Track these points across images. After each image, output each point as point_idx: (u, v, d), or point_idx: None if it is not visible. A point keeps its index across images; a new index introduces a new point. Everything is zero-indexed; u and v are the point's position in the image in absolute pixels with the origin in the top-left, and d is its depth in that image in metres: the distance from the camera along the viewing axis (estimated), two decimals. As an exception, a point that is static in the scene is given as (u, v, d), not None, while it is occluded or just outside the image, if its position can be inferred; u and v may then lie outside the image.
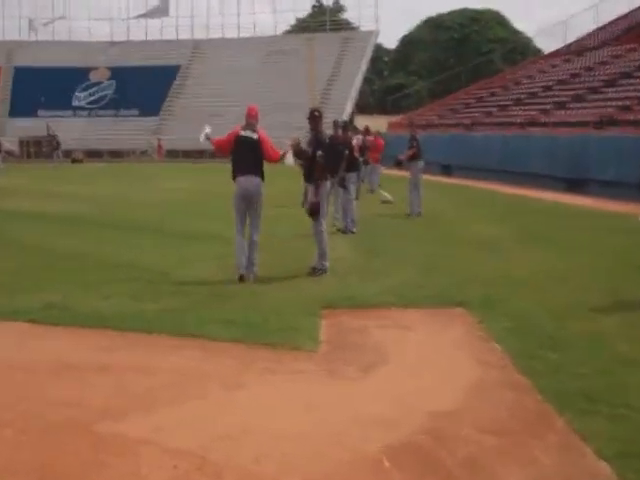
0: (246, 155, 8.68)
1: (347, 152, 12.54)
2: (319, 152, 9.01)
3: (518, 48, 73.46)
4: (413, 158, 15.65)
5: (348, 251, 10.66)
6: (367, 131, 22.28)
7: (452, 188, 24.34)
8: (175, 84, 59.51)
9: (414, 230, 13.41)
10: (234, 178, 8.81)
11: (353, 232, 12.96)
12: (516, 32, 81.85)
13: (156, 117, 56.57)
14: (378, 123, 37.33)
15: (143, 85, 56.56)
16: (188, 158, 49.56)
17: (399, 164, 16.37)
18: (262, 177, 8.79)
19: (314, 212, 9.04)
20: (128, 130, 54.67)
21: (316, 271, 8.94)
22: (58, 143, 44.69)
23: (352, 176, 13.29)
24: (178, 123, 54.79)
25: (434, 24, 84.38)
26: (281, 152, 9.11)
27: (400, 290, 7.92)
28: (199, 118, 53.09)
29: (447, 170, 31.08)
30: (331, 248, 9.36)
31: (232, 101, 49.25)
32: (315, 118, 9.16)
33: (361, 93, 60.12)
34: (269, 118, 48.65)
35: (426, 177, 16.80)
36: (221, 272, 8.85)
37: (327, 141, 9.40)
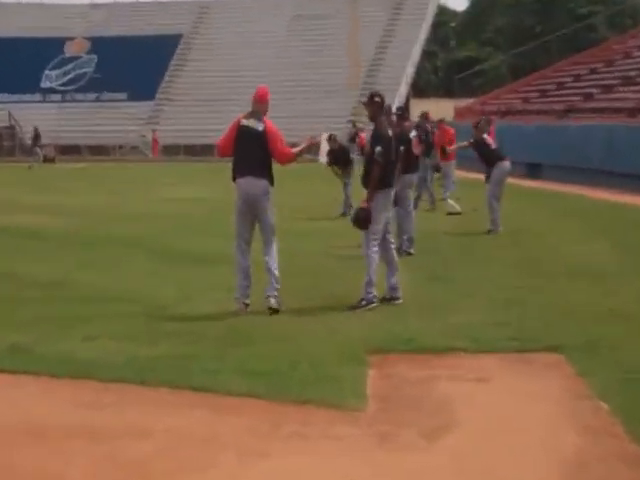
0: (248, 150, 8.78)
1: (403, 150, 12.54)
2: (378, 148, 9.10)
3: (627, 10, 73.04)
4: (496, 159, 15.63)
5: (404, 278, 10.66)
6: (426, 118, 22.08)
7: (540, 195, 24.24)
8: (175, 59, 60.19)
9: (490, 251, 13.38)
10: (234, 179, 8.94)
11: (410, 253, 12.94)
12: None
13: (150, 102, 57.21)
14: (442, 108, 37.36)
15: (133, 61, 57.13)
16: (191, 156, 49.99)
17: (443, 152, 19.93)
18: (270, 179, 8.86)
19: (360, 221, 9.08)
20: (114, 119, 55.26)
21: (360, 303, 8.98)
22: (38, 136, 45.50)
23: (410, 179, 13.25)
24: (179, 110, 55.41)
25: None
26: (296, 149, 9.22)
27: (473, 330, 7.90)
28: (206, 103, 53.99)
29: (535, 171, 30.91)
30: (381, 274, 9.35)
31: (248, 81, 49.35)
32: (374, 105, 9.30)
33: (419, 70, 60.24)
34: (295, 103, 49.20)
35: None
36: (234, 305, 8.90)
37: (390, 135, 9.43)
